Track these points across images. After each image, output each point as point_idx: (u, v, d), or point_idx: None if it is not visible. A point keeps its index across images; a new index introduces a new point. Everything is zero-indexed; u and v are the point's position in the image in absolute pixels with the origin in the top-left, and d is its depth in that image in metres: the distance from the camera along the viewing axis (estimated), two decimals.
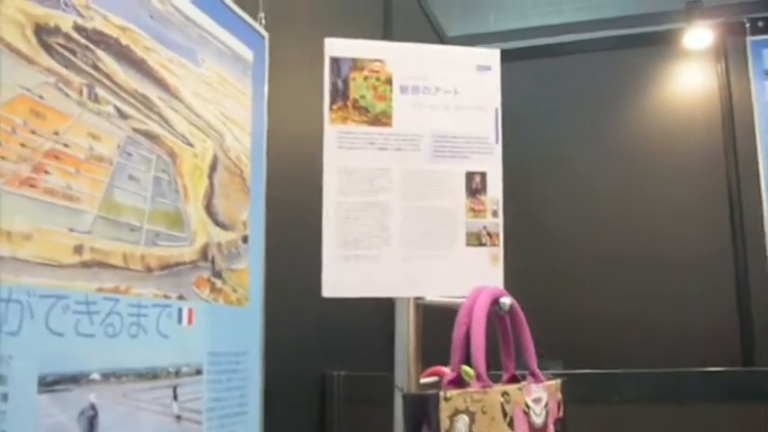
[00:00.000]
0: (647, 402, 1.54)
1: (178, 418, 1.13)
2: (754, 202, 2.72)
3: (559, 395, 1.08)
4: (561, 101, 2.85)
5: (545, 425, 1.03)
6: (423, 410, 0.91)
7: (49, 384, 0.89)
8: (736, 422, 1.56)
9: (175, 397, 1.13)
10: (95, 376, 0.97)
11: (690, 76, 2.88)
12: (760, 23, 2.78)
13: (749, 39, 2.80)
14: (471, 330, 0.97)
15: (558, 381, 1.08)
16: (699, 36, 2.75)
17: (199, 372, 1.19)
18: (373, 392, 1.63)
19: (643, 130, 2.85)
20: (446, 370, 1.19)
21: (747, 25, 2.78)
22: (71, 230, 0.94)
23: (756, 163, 2.75)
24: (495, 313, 1.03)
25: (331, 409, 1.66)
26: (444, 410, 0.90)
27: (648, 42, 2.90)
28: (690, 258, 2.70)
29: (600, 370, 1.52)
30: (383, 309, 2.10)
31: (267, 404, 1.39)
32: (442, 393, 0.90)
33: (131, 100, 1.05)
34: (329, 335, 1.71)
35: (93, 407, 0.96)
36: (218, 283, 1.25)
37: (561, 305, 2.49)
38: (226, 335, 1.26)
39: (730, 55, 2.83)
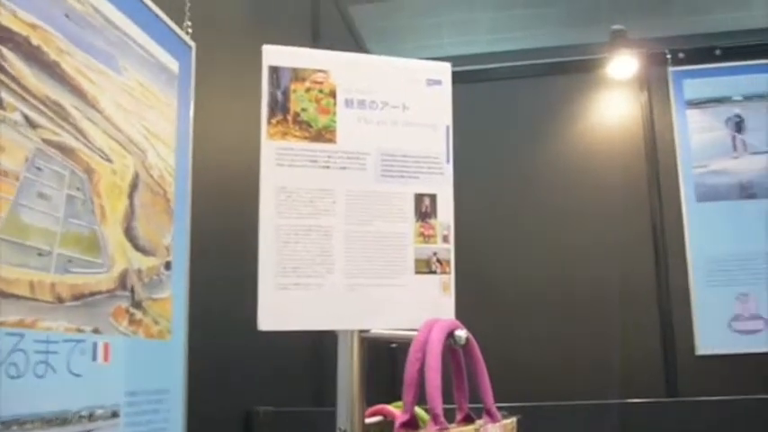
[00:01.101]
0: None
1: None
2: (677, 232, 2.73)
3: None
4: (482, 128, 2.80)
5: None
6: None
7: None
8: None
9: None
10: None
11: (614, 105, 2.89)
12: (681, 55, 2.82)
13: (671, 69, 2.84)
14: (426, 367, 0.87)
15: (514, 419, 0.99)
16: (622, 65, 2.77)
17: (115, 414, 1.05)
18: (301, 429, 1.52)
19: (568, 158, 2.84)
20: (391, 409, 1.10)
21: (669, 56, 2.82)
22: None
23: (678, 190, 2.78)
24: (448, 347, 0.94)
25: None
26: None
27: (573, 70, 2.89)
28: (613, 291, 2.69)
29: (535, 402, 1.45)
30: (310, 341, 2.00)
31: None
32: None
33: (42, 108, 0.92)
34: (255, 369, 1.59)
35: None
36: (138, 314, 1.12)
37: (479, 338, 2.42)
38: (146, 371, 1.13)
39: (653, 85, 2.85)
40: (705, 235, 2.79)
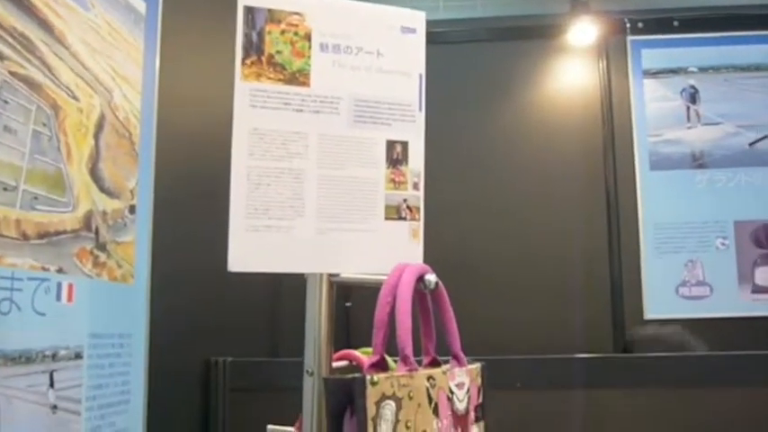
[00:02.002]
0: (545, 388, 1.52)
1: (54, 408, 0.99)
2: (630, 199, 2.79)
3: (479, 380, 1.02)
4: (440, 91, 2.81)
5: (467, 411, 0.97)
6: (347, 396, 0.82)
7: None
8: (615, 404, 1.57)
9: (52, 384, 0.98)
10: None
11: (573, 72, 2.92)
12: (640, 24, 2.85)
13: (629, 38, 2.87)
14: (397, 309, 0.89)
15: (479, 365, 1.02)
16: (582, 32, 2.79)
17: (78, 355, 1.05)
18: (260, 379, 1.53)
19: (525, 122, 2.86)
20: (357, 354, 1.11)
21: (628, 25, 2.85)
22: None
23: (632, 158, 2.83)
24: (417, 292, 0.95)
25: (216, 398, 1.54)
26: (371, 396, 0.81)
27: (532, 36, 2.90)
28: (567, 253, 2.74)
29: (502, 356, 1.48)
30: (270, 292, 2.00)
31: (149, 391, 1.26)
32: (368, 377, 0.81)
33: (9, 39, 0.90)
34: (215, 319, 1.59)
35: None
36: (102, 256, 1.11)
37: None
38: (109, 315, 1.13)
39: (612, 53, 2.88)
40: (656, 203, 2.85)
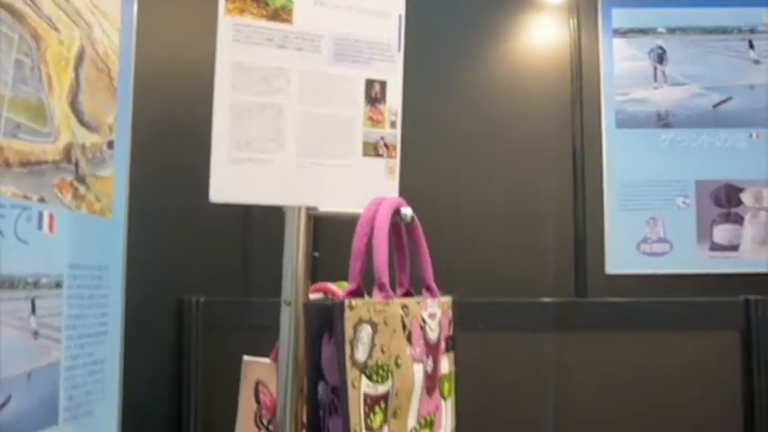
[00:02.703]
0: (510, 330, 1.58)
1: (35, 334, 1.02)
2: (596, 156, 2.85)
3: (450, 313, 1.07)
4: (409, 43, 2.82)
5: (438, 341, 1.01)
6: (326, 320, 0.87)
7: None
8: (574, 347, 1.64)
9: (33, 311, 1.01)
10: None
11: (544, 29, 2.95)
12: None
13: None
14: (374, 240, 0.93)
15: (450, 298, 1.07)
16: None
17: (59, 285, 1.07)
18: (233, 319, 1.57)
19: (495, 77, 2.89)
20: (333, 287, 1.15)
21: None
22: None
23: (599, 116, 2.88)
24: (393, 225, 0.99)
25: (189, 335, 1.57)
26: (349, 319, 0.85)
27: None
28: (533, 206, 2.79)
29: (468, 298, 1.53)
30: (241, 231, 2.02)
31: (125, 325, 1.29)
32: (347, 302, 0.85)
33: None
34: (188, 257, 1.62)
35: None
36: (82, 189, 1.13)
37: None
38: (88, 246, 1.15)
39: (582, 11, 2.92)
40: (621, 160, 2.92)
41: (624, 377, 1.63)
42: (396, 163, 1.06)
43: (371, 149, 1.04)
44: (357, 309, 0.86)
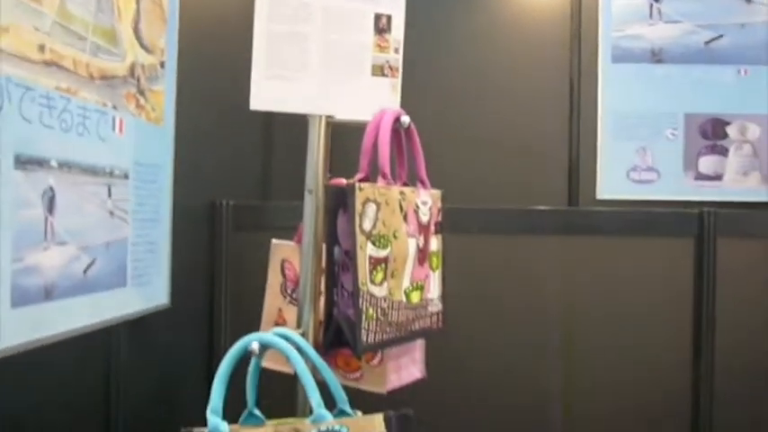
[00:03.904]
0: (498, 233, 1.88)
1: (111, 213, 1.32)
2: (591, 89, 3.09)
3: (440, 203, 1.36)
4: None
5: (428, 224, 1.31)
6: (341, 198, 1.16)
7: (22, 163, 1.06)
8: (564, 251, 1.93)
9: (109, 195, 1.31)
10: (53, 163, 1.14)
11: None
12: None
13: None
14: (379, 139, 1.22)
15: (440, 191, 1.36)
16: None
17: (126, 176, 1.37)
18: (256, 220, 1.87)
19: (498, 14, 3.13)
20: (343, 180, 1.45)
21: None
22: (36, 29, 1.08)
23: (596, 51, 3.13)
24: (393, 131, 1.28)
25: (220, 235, 1.87)
26: (359, 198, 1.15)
27: None
28: (530, 135, 3.05)
29: (460, 205, 1.80)
30: (266, 142, 2.32)
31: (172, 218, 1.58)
32: (357, 184, 1.15)
33: None
34: (220, 166, 1.91)
35: (51, 189, 1.14)
36: (142, 100, 1.42)
37: None
38: (146, 148, 1.44)
39: None
40: (615, 93, 3.17)
41: (597, 278, 1.93)
42: (398, 82, 1.34)
43: (378, 70, 1.32)
44: (365, 190, 1.16)
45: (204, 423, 1.16)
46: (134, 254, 1.40)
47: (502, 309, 1.87)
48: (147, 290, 1.46)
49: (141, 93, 1.41)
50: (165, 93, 1.51)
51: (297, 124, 2.49)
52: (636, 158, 3.16)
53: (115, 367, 1.42)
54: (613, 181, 3.14)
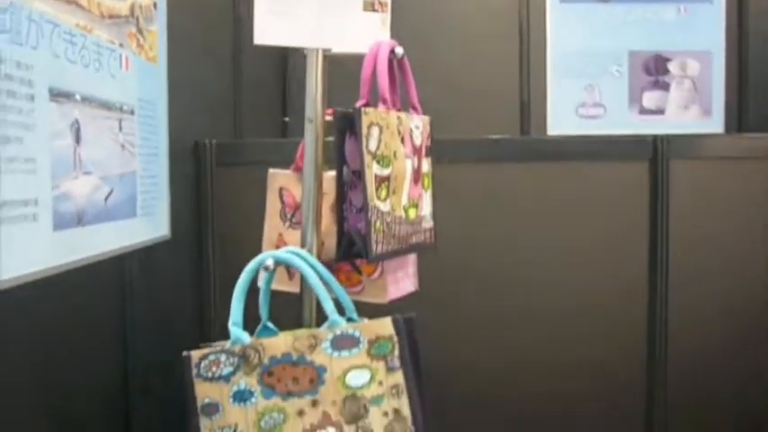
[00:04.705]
0: (464, 162, 2.03)
1: (123, 146, 1.42)
2: (540, 29, 3.26)
3: (429, 128, 1.50)
4: None
5: (421, 146, 1.45)
6: (349, 122, 1.29)
7: (54, 95, 1.15)
8: (519, 177, 2.10)
9: (120, 129, 1.41)
10: (78, 97, 1.24)
11: None
12: None
13: None
14: (377, 68, 1.35)
15: (429, 117, 1.50)
16: None
17: (132, 112, 1.47)
18: (241, 158, 1.99)
19: None
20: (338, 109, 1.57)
21: None
22: None
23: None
24: (388, 60, 1.41)
25: (205, 172, 1.98)
26: (365, 121, 1.28)
27: None
28: (481, 74, 3.22)
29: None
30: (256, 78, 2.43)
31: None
32: (363, 109, 1.28)
33: None
34: (204, 103, 2.02)
35: (77, 121, 1.24)
36: (141, 39, 1.51)
37: None
38: (146, 85, 1.54)
39: None
40: (563, 33, 3.35)
41: (557, 203, 2.11)
42: (387, 17, 1.47)
43: (369, 6, 1.44)
44: (369, 114, 1.29)
45: (202, 341, 1.30)
46: (141, 186, 1.51)
47: (467, 232, 2.03)
48: (152, 221, 1.57)
49: (140, 32, 1.50)
50: (158, 32, 1.61)
51: (265, 63, 2.60)
52: (584, 95, 3.35)
53: (129, 293, 1.53)
54: (563, 117, 3.33)
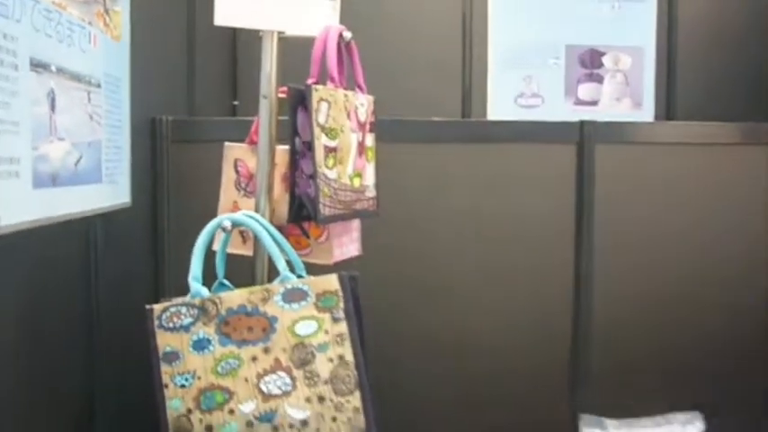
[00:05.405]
0: (407, 141, 2.22)
1: (90, 116, 1.56)
2: (482, 21, 3.45)
3: (373, 107, 1.68)
4: None
5: (365, 123, 1.63)
6: (301, 97, 1.46)
7: (34, 66, 1.30)
8: (460, 158, 2.29)
9: (89, 100, 1.55)
10: (53, 68, 1.38)
11: None
12: None
13: None
14: (327, 49, 1.51)
15: (373, 97, 1.68)
16: None
17: (99, 86, 1.61)
18: (198, 135, 2.13)
19: None
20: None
21: None
22: None
23: None
24: (336, 44, 1.58)
25: (161, 147, 2.12)
26: (315, 97, 1.45)
27: None
28: (426, 62, 3.39)
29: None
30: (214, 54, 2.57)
31: None
32: (313, 86, 1.45)
33: None
34: (161, 78, 2.16)
35: (52, 91, 1.38)
36: (107, 18, 1.65)
37: None
38: (111, 61, 1.68)
39: None
40: (504, 25, 3.55)
41: (491, 180, 2.31)
42: (337, 4, 1.63)
43: None
44: (320, 91, 1.46)
45: (157, 300, 1.45)
46: (106, 155, 1.65)
47: (408, 207, 2.22)
48: (115, 188, 1.71)
49: (107, 12, 1.65)
50: (122, 12, 1.75)
51: (217, 45, 2.75)
52: (522, 86, 3.57)
53: (94, 254, 1.68)
54: (502, 106, 3.54)
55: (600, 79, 3.65)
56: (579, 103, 3.63)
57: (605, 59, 3.66)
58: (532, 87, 3.59)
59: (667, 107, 3.60)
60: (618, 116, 3.62)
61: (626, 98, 3.67)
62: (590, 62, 3.67)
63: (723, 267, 2.44)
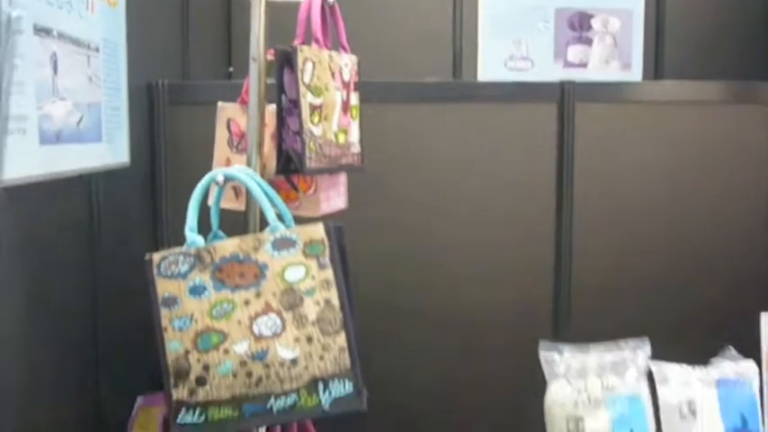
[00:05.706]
0: (394, 102, 2.33)
1: (90, 79, 1.68)
2: None
3: (357, 67, 1.79)
4: None
5: (349, 82, 1.74)
6: (287, 58, 1.57)
7: (37, 30, 1.40)
8: (448, 119, 2.40)
9: (89, 64, 1.66)
10: (55, 33, 1.49)
11: None
12: None
13: None
14: (312, 12, 1.62)
15: (356, 57, 1.78)
16: None
17: (98, 50, 1.72)
18: (194, 98, 2.25)
19: None
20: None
21: None
22: None
23: None
24: (321, 7, 1.68)
25: (158, 110, 2.24)
26: (300, 57, 1.56)
27: None
28: (416, 33, 3.48)
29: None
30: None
31: None
32: (299, 47, 1.56)
33: None
34: (156, 51, 2.26)
35: (55, 54, 1.49)
36: None
37: None
38: (108, 27, 1.79)
39: None
40: None
41: (476, 139, 2.42)
42: None
43: None
44: (305, 51, 1.57)
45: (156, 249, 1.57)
46: (105, 116, 1.76)
47: (393, 164, 2.33)
48: (114, 147, 1.83)
49: None
50: None
51: (212, 11, 2.85)
52: (512, 49, 3.66)
53: (97, 210, 1.80)
54: (493, 70, 3.63)
55: (589, 42, 3.74)
56: (568, 65, 3.72)
57: (594, 22, 3.75)
58: (522, 50, 3.69)
59: (656, 69, 3.69)
60: (607, 78, 3.71)
61: (614, 61, 3.76)
62: (579, 25, 3.76)
63: (713, 231, 2.52)
